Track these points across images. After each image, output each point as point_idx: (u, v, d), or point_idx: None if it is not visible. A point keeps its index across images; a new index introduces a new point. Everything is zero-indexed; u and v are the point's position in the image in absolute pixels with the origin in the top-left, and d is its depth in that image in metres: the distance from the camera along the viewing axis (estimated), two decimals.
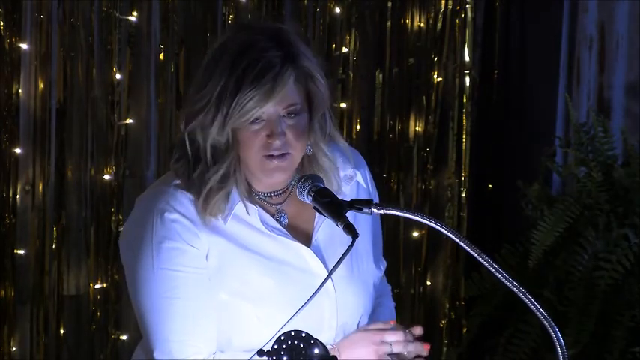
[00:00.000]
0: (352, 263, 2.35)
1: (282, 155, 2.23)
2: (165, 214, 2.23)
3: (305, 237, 2.32)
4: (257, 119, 2.20)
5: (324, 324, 2.29)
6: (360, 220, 2.33)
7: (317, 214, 2.31)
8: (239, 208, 2.25)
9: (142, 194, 2.33)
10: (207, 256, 2.24)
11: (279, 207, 2.32)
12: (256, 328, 2.24)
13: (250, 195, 2.28)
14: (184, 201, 2.24)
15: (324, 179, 2.30)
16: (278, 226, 2.29)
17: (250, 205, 2.27)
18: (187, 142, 2.24)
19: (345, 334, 2.31)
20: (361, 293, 2.36)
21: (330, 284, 2.28)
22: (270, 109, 2.20)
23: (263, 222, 2.27)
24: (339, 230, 2.21)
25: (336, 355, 2.16)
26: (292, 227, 2.32)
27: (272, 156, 2.22)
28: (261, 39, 2.21)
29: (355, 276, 2.35)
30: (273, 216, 2.30)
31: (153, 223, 2.23)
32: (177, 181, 2.26)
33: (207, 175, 2.22)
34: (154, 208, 2.24)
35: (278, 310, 2.23)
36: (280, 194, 2.32)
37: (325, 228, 2.33)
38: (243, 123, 2.20)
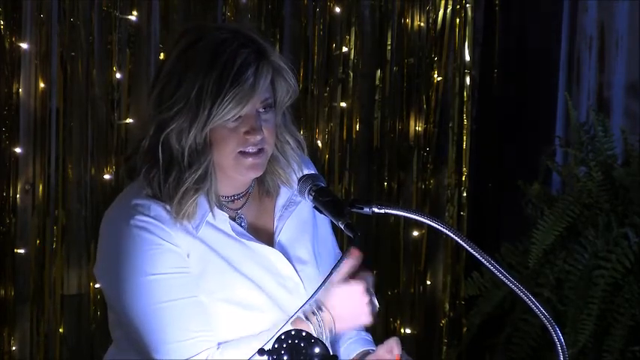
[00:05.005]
0: (318, 263, 2.38)
1: (258, 152, 2.24)
2: (142, 223, 2.21)
3: (267, 239, 2.34)
4: (237, 117, 2.21)
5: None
6: (319, 217, 2.37)
7: (275, 217, 2.35)
8: (209, 215, 2.26)
9: (111, 210, 2.30)
10: (188, 256, 2.24)
11: (238, 211, 2.33)
12: (234, 327, 2.24)
13: (217, 199, 2.29)
14: (157, 208, 2.23)
15: (287, 176, 2.33)
16: (244, 231, 2.30)
17: (218, 211, 2.27)
18: (160, 149, 2.22)
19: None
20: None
21: (301, 286, 2.31)
22: (249, 105, 2.21)
23: (232, 228, 2.28)
24: (299, 232, 2.28)
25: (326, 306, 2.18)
26: (253, 230, 2.34)
27: (247, 153, 2.23)
28: (229, 37, 2.21)
29: (321, 275, 2.34)
30: (234, 220, 2.31)
31: (132, 232, 2.21)
32: (145, 191, 2.24)
33: (184, 176, 2.21)
34: (129, 219, 2.22)
35: (252, 310, 2.25)
36: (241, 197, 2.34)
37: (286, 231, 2.35)
38: (227, 122, 2.20)
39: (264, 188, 2.37)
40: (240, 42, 2.21)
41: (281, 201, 2.38)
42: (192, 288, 2.22)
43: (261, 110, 2.23)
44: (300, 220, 2.38)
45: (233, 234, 2.28)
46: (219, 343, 2.22)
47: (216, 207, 2.27)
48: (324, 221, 2.42)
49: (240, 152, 2.23)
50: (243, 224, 2.33)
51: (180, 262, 2.23)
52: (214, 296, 2.24)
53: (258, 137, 2.22)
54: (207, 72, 2.18)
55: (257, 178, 2.32)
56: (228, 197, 2.32)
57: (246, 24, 2.38)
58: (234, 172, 2.26)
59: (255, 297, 2.26)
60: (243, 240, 2.28)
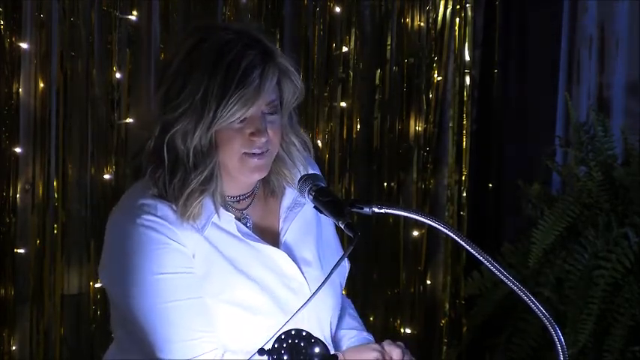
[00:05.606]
0: (322, 264, 2.38)
1: (262, 153, 2.24)
2: (149, 222, 2.21)
3: (272, 240, 2.34)
4: (242, 118, 2.21)
5: (302, 322, 2.28)
6: (323, 219, 2.36)
7: (281, 218, 2.34)
8: (215, 215, 2.26)
9: (116, 210, 2.29)
10: (194, 256, 2.24)
11: (244, 212, 2.33)
12: (237, 329, 2.24)
13: (222, 199, 2.28)
14: (164, 208, 2.23)
15: (292, 177, 2.33)
16: (250, 231, 2.30)
17: (224, 212, 2.27)
18: (165, 150, 2.22)
19: (321, 331, 2.33)
20: (331, 292, 2.37)
21: (306, 286, 2.31)
22: (254, 107, 2.20)
23: (238, 229, 2.28)
24: (304, 233, 2.28)
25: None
26: (258, 231, 2.33)
27: (252, 154, 2.23)
28: (235, 38, 2.20)
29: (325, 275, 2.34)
30: (239, 220, 2.31)
31: (138, 231, 2.21)
32: (151, 191, 2.24)
33: (190, 177, 2.21)
34: (135, 218, 2.22)
35: (256, 312, 2.24)
36: (246, 198, 2.34)
37: (291, 232, 2.35)
38: (232, 124, 2.20)
39: (269, 188, 2.37)
40: (245, 43, 2.20)
41: (286, 202, 2.37)
42: (197, 289, 2.22)
43: (266, 112, 2.23)
44: (304, 221, 2.38)
45: (238, 234, 2.27)
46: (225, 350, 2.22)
47: (221, 208, 2.26)
48: (327, 223, 2.42)
49: (245, 153, 2.23)
50: (248, 224, 2.33)
51: (186, 262, 2.23)
52: (217, 298, 2.24)
53: (263, 139, 2.22)
54: (212, 73, 2.17)
55: (262, 178, 2.32)
56: (233, 197, 2.32)
57: (253, 24, 2.37)
58: (238, 174, 2.26)
59: (258, 299, 2.26)
60: (248, 240, 2.28)
